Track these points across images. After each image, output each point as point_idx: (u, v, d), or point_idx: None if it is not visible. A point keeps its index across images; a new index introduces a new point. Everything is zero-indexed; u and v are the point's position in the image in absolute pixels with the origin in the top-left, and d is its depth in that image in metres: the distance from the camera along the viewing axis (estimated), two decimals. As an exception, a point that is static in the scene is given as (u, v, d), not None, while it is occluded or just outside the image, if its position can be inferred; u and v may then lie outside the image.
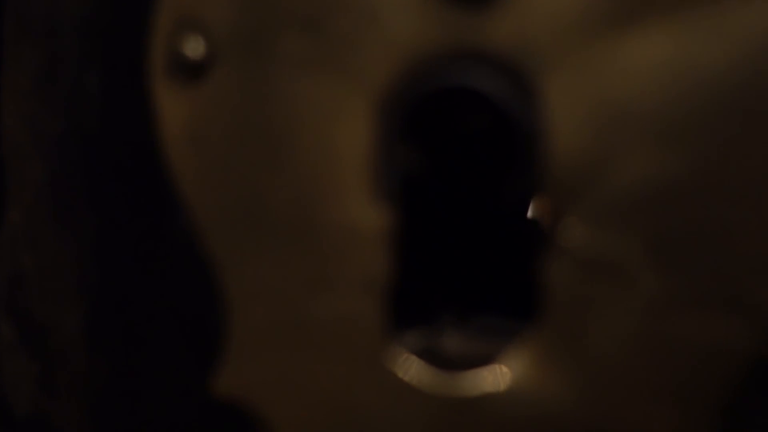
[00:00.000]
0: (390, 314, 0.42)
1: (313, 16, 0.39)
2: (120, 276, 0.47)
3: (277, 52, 0.40)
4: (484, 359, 0.42)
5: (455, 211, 0.46)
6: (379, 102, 0.40)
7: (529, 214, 0.42)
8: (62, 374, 0.47)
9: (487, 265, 0.46)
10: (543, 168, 0.40)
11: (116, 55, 0.45)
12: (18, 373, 0.48)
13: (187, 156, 0.42)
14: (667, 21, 0.38)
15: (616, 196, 0.40)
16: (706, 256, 0.39)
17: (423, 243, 0.45)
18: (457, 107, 0.44)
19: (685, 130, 0.38)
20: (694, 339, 0.40)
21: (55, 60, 0.45)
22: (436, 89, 0.41)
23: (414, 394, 0.41)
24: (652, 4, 0.38)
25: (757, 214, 0.38)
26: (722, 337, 0.39)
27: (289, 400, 0.42)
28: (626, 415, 0.41)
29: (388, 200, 0.41)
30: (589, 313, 0.40)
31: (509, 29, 0.38)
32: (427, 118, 0.43)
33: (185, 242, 0.44)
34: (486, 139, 0.44)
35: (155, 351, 0.47)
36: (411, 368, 0.42)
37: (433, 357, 0.42)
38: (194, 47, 0.40)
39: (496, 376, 0.42)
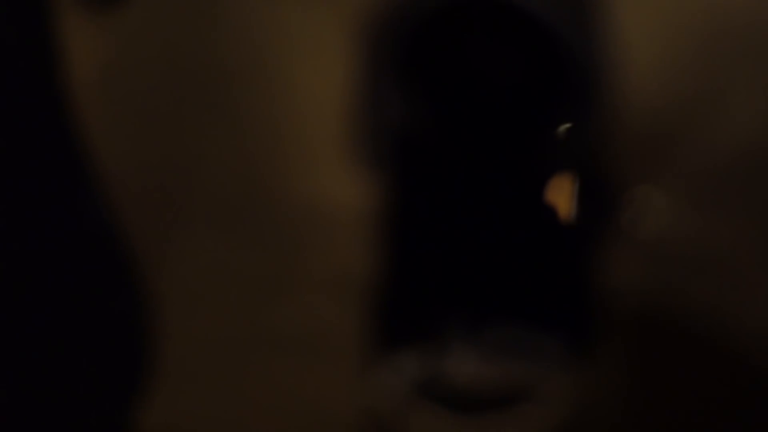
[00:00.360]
0: (373, 325, 0.39)
1: None
2: (13, 277, 0.44)
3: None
4: (515, 394, 0.39)
5: (468, 185, 0.41)
6: (363, 30, 0.38)
7: (581, 189, 0.39)
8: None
9: (511, 259, 0.41)
10: (608, 118, 0.37)
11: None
12: None
13: (101, 108, 0.40)
14: None
15: (720, 158, 0.37)
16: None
17: (421, 228, 0.40)
18: (475, 32, 0.39)
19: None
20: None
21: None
22: (442, 5, 0.38)
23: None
24: None
25: None
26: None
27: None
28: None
29: (373, 168, 0.39)
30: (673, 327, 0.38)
31: None
32: (429, 50, 0.39)
33: (99, 234, 0.42)
34: (518, 79, 0.39)
35: (58, 380, 0.44)
36: (404, 406, 0.39)
37: (436, 389, 0.39)
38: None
39: (536, 421, 0.38)
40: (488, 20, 0.39)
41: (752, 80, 0.37)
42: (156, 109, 0.40)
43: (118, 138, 0.40)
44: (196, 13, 0.39)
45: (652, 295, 0.38)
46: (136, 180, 0.40)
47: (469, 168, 0.41)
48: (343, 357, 0.40)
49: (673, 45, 0.37)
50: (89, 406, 0.45)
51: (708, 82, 0.37)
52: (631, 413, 0.39)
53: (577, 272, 0.39)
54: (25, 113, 0.44)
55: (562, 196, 0.40)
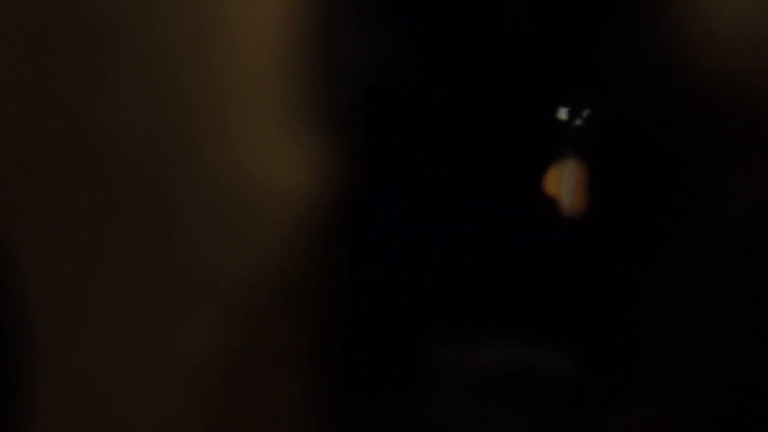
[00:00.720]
0: (317, 361, 0.33)
1: None
2: None
3: None
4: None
5: (453, 161, 0.35)
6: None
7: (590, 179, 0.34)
8: None
9: (509, 259, 0.35)
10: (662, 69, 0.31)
11: None
12: None
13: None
14: None
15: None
16: None
17: (391, 217, 0.34)
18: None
19: None
20: None
21: None
22: None
23: None
24: None
25: None
26: None
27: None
28: None
29: (326, 135, 0.32)
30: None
31: None
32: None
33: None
34: (533, 31, 0.34)
35: None
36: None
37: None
38: None
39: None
40: None
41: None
42: (18, 55, 0.32)
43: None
44: None
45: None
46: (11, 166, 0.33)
47: (455, 138, 0.35)
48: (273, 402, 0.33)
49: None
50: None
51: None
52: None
53: (588, 275, 0.33)
54: None
55: (565, 186, 0.34)
